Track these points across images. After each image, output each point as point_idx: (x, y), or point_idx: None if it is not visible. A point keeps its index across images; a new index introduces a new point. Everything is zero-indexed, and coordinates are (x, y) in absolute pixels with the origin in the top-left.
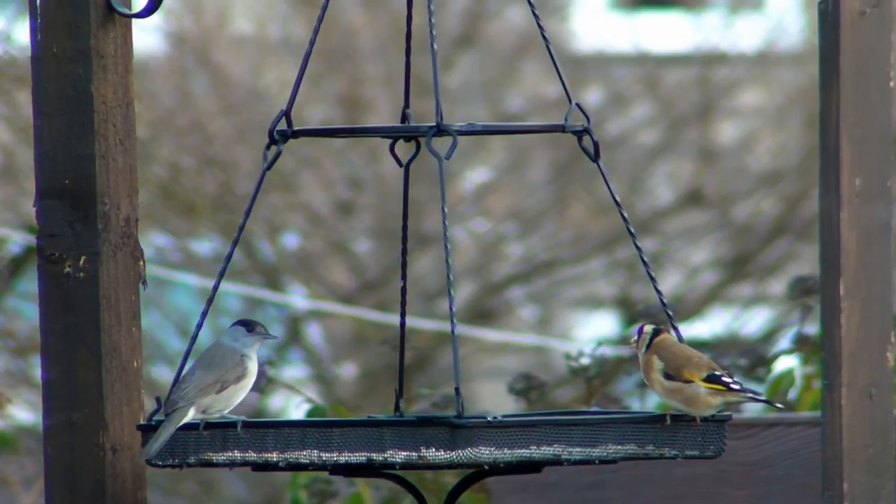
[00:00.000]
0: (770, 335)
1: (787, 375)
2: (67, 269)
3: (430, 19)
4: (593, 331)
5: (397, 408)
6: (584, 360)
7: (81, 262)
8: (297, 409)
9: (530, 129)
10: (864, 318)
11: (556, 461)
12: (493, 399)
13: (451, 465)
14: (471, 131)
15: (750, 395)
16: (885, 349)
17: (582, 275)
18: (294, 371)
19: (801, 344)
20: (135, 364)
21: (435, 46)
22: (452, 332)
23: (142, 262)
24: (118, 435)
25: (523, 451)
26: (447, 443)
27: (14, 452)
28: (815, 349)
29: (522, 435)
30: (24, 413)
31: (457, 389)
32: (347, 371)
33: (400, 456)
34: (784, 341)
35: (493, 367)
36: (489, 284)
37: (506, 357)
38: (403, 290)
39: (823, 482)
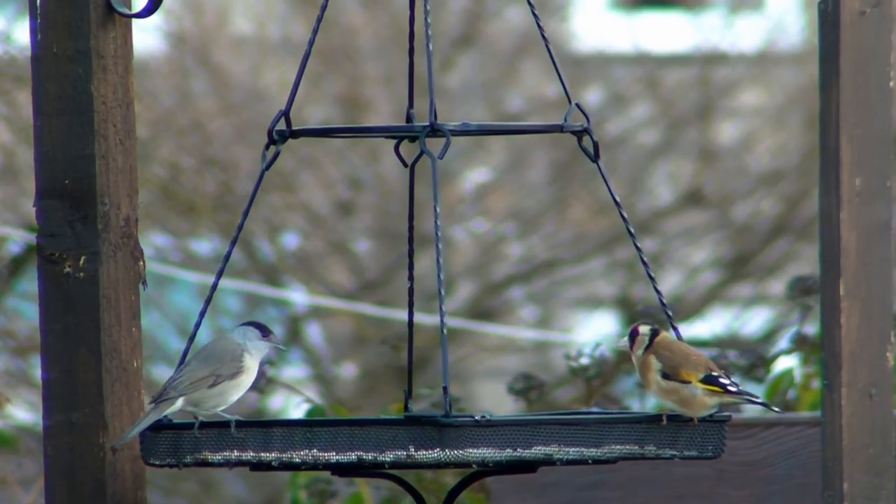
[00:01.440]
0: (770, 335)
1: (787, 375)
2: (67, 269)
3: (426, 20)
4: (593, 331)
5: (406, 407)
6: (584, 360)
7: (81, 262)
8: (296, 409)
9: (527, 129)
10: (864, 318)
11: (548, 461)
12: (493, 399)
13: (439, 465)
14: (465, 131)
15: (746, 397)
16: (885, 349)
17: (582, 275)
18: (294, 371)
19: (801, 344)
20: (135, 364)
21: (430, 47)
22: (442, 330)
23: (142, 262)
24: (118, 435)
25: (514, 450)
26: (435, 442)
27: (14, 452)
28: (815, 349)
29: (512, 435)
30: (24, 413)
31: (445, 388)
32: (347, 371)
33: (389, 455)
34: (784, 341)
35: (493, 367)
36: (489, 284)
37: (506, 357)
38: (411, 291)
39: (823, 482)
